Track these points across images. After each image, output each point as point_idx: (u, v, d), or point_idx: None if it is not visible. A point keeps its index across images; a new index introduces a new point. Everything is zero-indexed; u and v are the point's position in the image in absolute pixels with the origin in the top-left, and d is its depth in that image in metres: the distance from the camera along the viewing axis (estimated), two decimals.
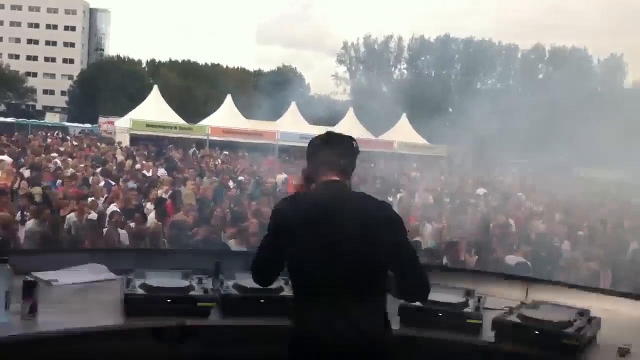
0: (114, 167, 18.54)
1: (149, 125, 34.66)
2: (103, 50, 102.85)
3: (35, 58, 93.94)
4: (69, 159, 20.52)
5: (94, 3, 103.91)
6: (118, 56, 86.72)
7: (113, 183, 14.70)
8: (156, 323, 2.78)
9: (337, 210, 2.62)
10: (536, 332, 2.95)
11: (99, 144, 30.74)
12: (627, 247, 11.42)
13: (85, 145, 27.90)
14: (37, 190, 12.32)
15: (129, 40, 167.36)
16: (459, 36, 75.05)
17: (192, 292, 2.96)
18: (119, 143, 30.98)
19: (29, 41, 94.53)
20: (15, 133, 33.72)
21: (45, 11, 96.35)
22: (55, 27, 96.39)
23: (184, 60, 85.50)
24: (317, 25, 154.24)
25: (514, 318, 3.10)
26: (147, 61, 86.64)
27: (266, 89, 71.29)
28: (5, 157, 18.24)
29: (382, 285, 2.64)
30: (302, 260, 2.62)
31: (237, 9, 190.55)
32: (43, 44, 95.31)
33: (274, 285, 3.06)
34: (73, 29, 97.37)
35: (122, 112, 38.55)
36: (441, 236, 11.14)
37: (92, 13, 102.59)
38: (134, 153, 25.43)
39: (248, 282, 3.21)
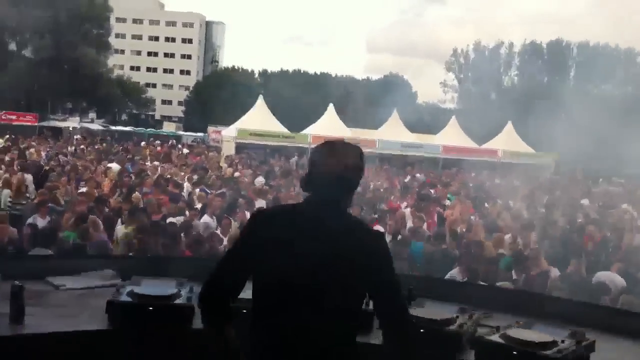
0: (212, 176, 19.16)
1: (253, 134, 35.66)
2: (218, 61, 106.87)
3: (154, 70, 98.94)
4: (174, 167, 21.37)
5: (210, 16, 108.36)
6: (232, 67, 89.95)
7: (209, 191, 15.21)
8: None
9: (318, 232, 2.46)
10: (514, 352, 2.90)
11: (207, 152, 32.04)
12: None
13: (186, 153, 29.06)
14: (136, 196, 12.99)
15: (243, 51, 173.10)
16: (573, 40, 72.21)
17: (176, 300, 3.11)
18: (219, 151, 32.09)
19: (149, 53, 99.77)
20: (128, 142, 35.71)
21: (164, 24, 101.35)
22: (173, 39, 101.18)
23: (294, 70, 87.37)
24: (429, 33, 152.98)
25: (495, 337, 3.05)
26: (259, 71, 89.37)
27: (371, 98, 71.66)
28: (114, 165, 19.44)
29: (350, 317, 2.52)
30: (269, 277, 2.49)
31: (349, 18, 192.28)
32: (162, 56, 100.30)
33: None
34: (190, 41, 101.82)
35: (233, 122, 39.92)
36: (519, 248, 10.79)
37: (208, 26, 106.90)
38: (236, 161, 26.24)
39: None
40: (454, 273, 8.34)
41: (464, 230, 11.98)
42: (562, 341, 3.05)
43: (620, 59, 70.74)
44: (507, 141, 41.35)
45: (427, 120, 74.77)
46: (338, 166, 2.53)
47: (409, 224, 12.44)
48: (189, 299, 3.11)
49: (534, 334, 3.11)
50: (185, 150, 33.48)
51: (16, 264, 3.88)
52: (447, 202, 16.79)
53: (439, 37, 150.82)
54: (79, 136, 39.12)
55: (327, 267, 2.41)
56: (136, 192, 13.38)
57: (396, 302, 2.55)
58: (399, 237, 10.86)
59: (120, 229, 9.90)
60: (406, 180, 25.25)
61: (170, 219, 10.53)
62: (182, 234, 9.22)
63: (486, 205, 17.13)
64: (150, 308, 2.98)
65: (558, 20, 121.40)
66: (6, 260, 4.78)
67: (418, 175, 27.40)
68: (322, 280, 2.41)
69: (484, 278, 7.80)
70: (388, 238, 11.00)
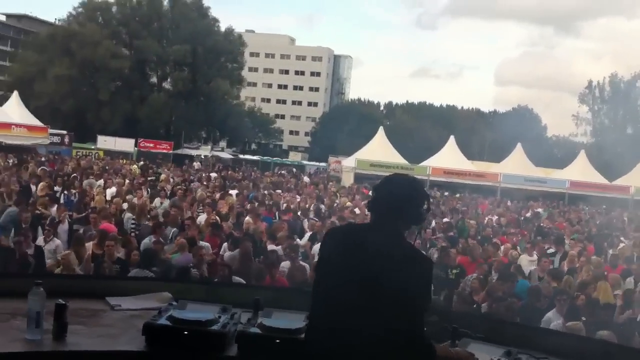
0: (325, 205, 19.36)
1: (373, 164, 35.86)
2: (344, 93, 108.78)
3: (284, 102, 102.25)
4: (296, 195, 21.76)
5: (339, 50, 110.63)
6: (358, 99, 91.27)
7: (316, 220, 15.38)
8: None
9: (368, 252, 2.72)
10: None
11: (326, 182, 32.50)
12: None
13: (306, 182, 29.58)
14: (247, 222, 13.39)
15: (370, 84, 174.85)
16: None
17: (212, 327, 3.21)
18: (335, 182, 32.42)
19: (279, 86, 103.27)
20: (253, 170, 36.98)
21: (295, 58, 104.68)
22: (302, 73, 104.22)
23: (419, 102, 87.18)
24: (560, 65, 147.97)
25: None
26: (384, 103, 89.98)
27: (497, 130, 69.91)
28: (234, 192, 20.21)
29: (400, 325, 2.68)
30: (323, 288, 2.82)
31: (478, 51, 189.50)
32: (291, 88, 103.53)
33: (294, 327, 3.21)
34: (318, 74, 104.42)
35: (355, 152, 40.40)
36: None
37: (335, 59, 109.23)
38: (354, 191, 26.41)
39: (274, 321, 3.40)
40: (551, 315, 7.96)
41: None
42: None
43: None
44: None
45: (555, 154, 72.05)
46: (390, 196, 2.85)
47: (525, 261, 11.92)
48: (224, 326, 3.20)
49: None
50: (306, 179, 34.13)
51: (81, 282, 4.17)
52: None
53: (572, 69, 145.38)
54: (197, 164, 40.88)
55: (369, 285, 2.66)
56: (247, 218, 13.75)
57: (415, 325, 2.72)
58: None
59: (227, 254, 10.23)
60: (527, 215, 24.36)
61: (271, 247, 10.75)
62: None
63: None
64: (185, 333, 3.11)
65: None
66: (71, 279, 5.13)
67: (540, 210, 26.29)
68: (372, 290, 2.66)
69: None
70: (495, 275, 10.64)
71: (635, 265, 12.16)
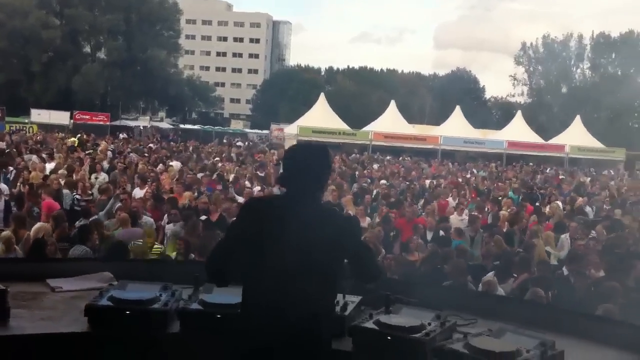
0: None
1: (315, 131, 35.97)
2: (284, 60, 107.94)
3: (223, 69, 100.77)
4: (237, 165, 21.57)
5: (277, 15, 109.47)
6: (298, 65, 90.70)
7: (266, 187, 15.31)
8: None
9: (295, 219, 2.83)
10: None
11: (271, 150, 32.37)
12: None
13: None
14: (187, 195, 13.26)
15: (311, 50, 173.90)
16: None
17: (153, 305, 3.28)
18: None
19: (218, 54, 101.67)
20: (192, 140, 36.54)
21: (233, 25, 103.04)
22: (241, 40, 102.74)
23: (360, 67, 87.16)
24: (498, 27, 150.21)
25: (458, 346, 3.08)
26: (325, 69, 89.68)
27: (436, 94, 70.87)
28: (175, 163, 19.96)
29: (330, 288, 2.96)
30: (256, 258, 2.84)
31: (418, 15, 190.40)
32: (230, 55, 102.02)
33: (235, 301, 3.29)
34: (257, 41, 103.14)
35: (297, 119, 40.37)
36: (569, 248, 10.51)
37: (275, 25, 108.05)
38: None
39: (214, 296, 3.48)
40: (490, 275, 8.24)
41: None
42: (528, 351, 3.06)
43: None
44: (576, 136, 40.09)
45: (493, 115, 73.61)
46: (305, 165, 2.99)
47: (455, 220, 12.23)
48: (166, 304, 3.26)
49: (499, 344, 3.11)
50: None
51: (20, 265, 4.14)
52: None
53: (509, 32, 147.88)
54: (123, 134, 39.91)
55: (304, 247, 2.79)
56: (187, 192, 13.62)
57: (367, 266, 3.07)
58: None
59: (169, 227, 10.12)
60: (467, 176, 24.89)
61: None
62: None
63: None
64: (127, 312, 3.16)
65: (630, 11, 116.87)
66: (11, 262, 5.08)
67: (477, 171, 26.94)
68: (301, 258, 2.78)
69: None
70: (429, 235, 10.95)
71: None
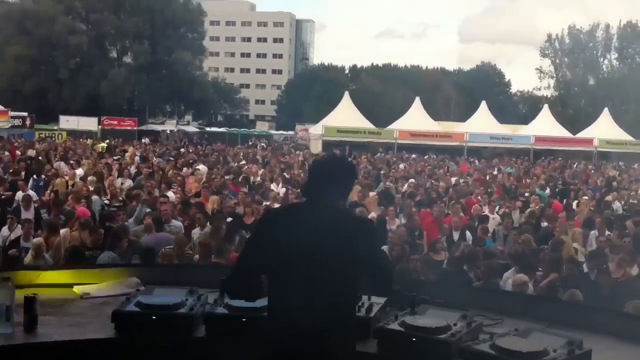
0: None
1: (340, 130, 35.95)
2: (308, 59, 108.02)
3: (248, 70, 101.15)
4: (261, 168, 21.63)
5: (300, 14, 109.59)
6: (322, 64, 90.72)
7: (293, 189, 15.33)
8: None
9: (315, 226, 2.93)
10: None
11: (297, 151, 32.46)
12: None
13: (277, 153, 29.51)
14: (214, 199, 13.32)
15: (334, 48, 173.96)
16: None
17: (179, 310, 3.31)
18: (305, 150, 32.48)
19: (242, 55, 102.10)
20: (218, 143, 36.75)
21: (256, 25, 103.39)
22: (265, 40, 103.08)
23: (384, 64, 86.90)
24: (523, 19, 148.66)
25: (484, 347, 3.07)
26: (349, 67, 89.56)
27: (461, 89, 70.34)
28: (201, 167, 20.10)
29: (350, 291, 2.99)
30: (281, 264, 2.92)
31: (441, 9, 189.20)
32: (255, 56, 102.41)
33: (260, 305, 3.31)
34: (281, 40, 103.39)
35: (321, 119, 40.33)
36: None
37: (298, 24, 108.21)
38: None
39: (240, 301, 3.51)
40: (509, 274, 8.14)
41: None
42: (555, 350, 3.04)
43: None
44: (604, 129, 39.43)
45: (520, 110, 72.81)
46: (329, 178, 3.10)
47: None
48: (192, 308, 3.30)
49: (525, 343, 3.10)
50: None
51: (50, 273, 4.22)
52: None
53: (534, 23, 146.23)
54: (146, 139, 40.06)
55: (323, 252, 2.86)
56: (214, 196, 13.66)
57: (376, 275, 3.07)
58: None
59: (196, 232, 10.17)
60: (494, 172, 24.67)
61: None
62: None
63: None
64: (153, 317, 3.21)
65: None
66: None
67: (503, 167, 26.66)
68: (321, 263, 2.86)
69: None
70: (456, 235, 10.82)
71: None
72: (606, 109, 42.73)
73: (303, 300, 2.83)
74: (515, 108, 72.83)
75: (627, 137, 39.96)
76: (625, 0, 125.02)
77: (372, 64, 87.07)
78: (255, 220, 10.68)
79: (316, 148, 34.37)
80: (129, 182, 15.69)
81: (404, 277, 6.82)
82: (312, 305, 2.82)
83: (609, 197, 16.15)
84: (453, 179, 19.94)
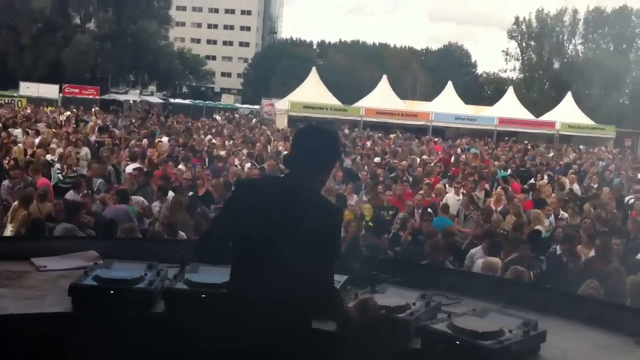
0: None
1: (306, 106, 35.83)
2: (276, 33, 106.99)
3: (214, 42, 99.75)
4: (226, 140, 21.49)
5: None
6: (290, 39, 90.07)
7: (257, 165, 15.31)
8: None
9: (285, 203, 2.85)
10: (456, 342, 2.95)
11: (262, 126, 32.29)
12: None
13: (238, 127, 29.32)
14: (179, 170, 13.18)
15: (302, 22, 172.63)
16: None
17: (138, 285, 3.27)
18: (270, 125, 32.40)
19: (209, 26, 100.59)
20: (182, 115, 36.36)
21: None
22: (232, 11, 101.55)
23: (353, 41, 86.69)
24: (493, 1, 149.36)
25: (441, 326, 3.10)
26: (317, 42, 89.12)
27: (428, 68, 70.64)
28: (164, 139, 19.86)
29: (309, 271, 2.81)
30: (245, 238, 2.86)
31: None
32: (222, 28, 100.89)
33: (221, 281, 3.28)
34: (249, 12, 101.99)
35: (289, 94, 40.14)
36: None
37: None
38: (288, 135, 26.35)
39: (200, 276, 3.48)
40: (475, 251, 8.30)
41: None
42: (510, 331, 3.08)
43: None
44: (566, 113, 40.11)
45: (485, 91, 73.55)
46: (309, 149, 2.96)
47: (452, 200, 12.22)
48: (150, 283, 3.25)
49: (482, 323, 3.14)
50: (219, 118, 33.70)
51: (5, 244, 4.12)
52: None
53: (504, 5, 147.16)
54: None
55: (286, 230, 2.79)
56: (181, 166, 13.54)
57: (325, 271, 2.90)
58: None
59: (156, 205, 10.06)
60: (458, 152, 24.95)
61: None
62: None
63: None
64: (111, 292, 3.16)
65: None
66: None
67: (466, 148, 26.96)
68: (284, 241, 2.78)
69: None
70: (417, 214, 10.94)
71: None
72: (569, 93, 43.46)
73: (260, 276, 2.80)
74: (481, 89, 73.55)
75: (588, 121, 40.73)
76: None
77: (341, 40, 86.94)
78: (207, 192, 10.67)
79: (282, 123, 34.25)
80: (85, 150, 15.39)
81: (369, 254, 6.91)
82: (268, 281, 2.78)
83: (566, 180, 16.46)
84: (418, 159, 20.11)
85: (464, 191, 12.81)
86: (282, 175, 3.14)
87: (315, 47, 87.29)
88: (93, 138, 18.77)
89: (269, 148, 19.86)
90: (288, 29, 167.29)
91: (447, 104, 39.35)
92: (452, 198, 12.30)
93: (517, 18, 72.71)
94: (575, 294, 4.39)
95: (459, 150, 25.65)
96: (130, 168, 12.78)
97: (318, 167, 3.00)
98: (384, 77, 41.92)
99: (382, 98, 39.08)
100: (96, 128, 21.86)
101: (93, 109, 34.47)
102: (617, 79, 62.54)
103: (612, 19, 68.44)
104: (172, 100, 58.14)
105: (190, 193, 10.50)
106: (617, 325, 3.49)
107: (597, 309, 3.69)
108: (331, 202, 3.20)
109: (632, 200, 13.63)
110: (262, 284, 2.79)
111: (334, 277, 3.01)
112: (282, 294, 2.78)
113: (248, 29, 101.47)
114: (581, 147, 32.74)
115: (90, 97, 45.12)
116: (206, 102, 58.72)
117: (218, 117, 38.12)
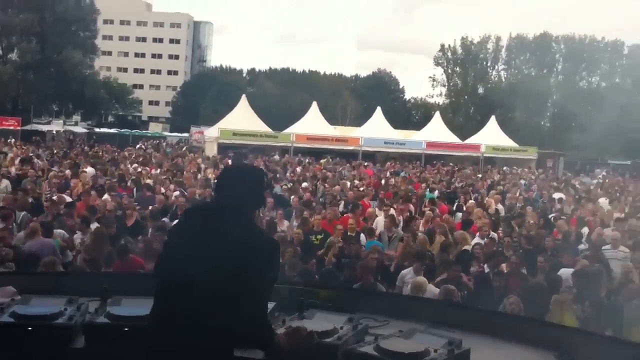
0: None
1: (236, 133, 35.68)
2: (205, 61, 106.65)
3: (142, 71, 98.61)
4: (153, 169, 21.18)
5: (199, 16, 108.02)
6: (220, 67, 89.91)
7: (186, 193, 15.07)
8: None
9: (213, 232, 2.85)
10: None
11: (191, 154, 31.96)
12: None
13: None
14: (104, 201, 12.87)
15: (232, 50, 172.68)
16: (560, 34, 72.53)
17: (57, 320, 3.16)
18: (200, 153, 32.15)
19: (137, 54, 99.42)
20: (107, 145, 35.62)
21: (152, 25, 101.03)
22: (161, 40, 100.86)
23: (283, 68, 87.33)
24: (419, 29, 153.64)
25: (369, 349, 3.12)
26: (247, 70, 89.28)
27: (357, 95, 71.79)
28: (89, 169, 19.34)
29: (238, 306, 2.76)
30: (172, 268, 2.85)
31: (339, 15, 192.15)
32: (149, 56, 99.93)
33: (144, 313, 3.19)
34: (178, 41, 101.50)
35: (218, 122, 39.87)
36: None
37: (196, 26, 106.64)
38: (218, 162, 26.15)
39: (122, 309, 3.39)
40: (406, 272, 8.39)
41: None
42: (435, 350, 3.13)
43: (607, 51, 71.16)
44: (491, 136, 41.48)
45: (413, 116, 75.27)
46: (236, 191, 2.97)
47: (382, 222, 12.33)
48: (70, 318, 3.15)
49: (408, 344, 3.18)
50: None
51: None
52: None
53: (429, 34, 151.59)
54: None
55: (215, 263, 2.77)
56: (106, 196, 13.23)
57: (259, 305, 2.83)
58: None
59: (78, 237, 9.73)
60: (387, 175, 25.28)
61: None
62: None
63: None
64: (29, 329, 3.04)
65: (545, 13, 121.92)
66: None
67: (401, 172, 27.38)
68: (210, 274, 2.75)
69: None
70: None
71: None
72: (493, 117, 44.96)
73: (189, 308, 2.74)
74: (409, 114, 75.20)
75: (512, 143, 42.18)
76: (514, 14, 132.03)
77: (271, 67, 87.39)
78: (135, 223, 10.46)
79: (211, 151, 33.96)
80: (5, 183, 14.85)
81: (297, 279, 6.89)
82: (191, 315, 2.73)
83: (490, 200, 16.94)
84: (348, 183, 20.27)
85: (394, 213, 13.00)
86: (215, 206, 3.09)
87: (245, 74, 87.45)
88: (13, 170, 18.12)
89: (198, 176, 19.64)
90: (218, 58, 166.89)
91: (377, 129, 39.97)
92: (382, 220, 12.43)
93: (442, 45, 75.06)
94: (498, 311, 4.49)
95: (388, 174, 26.02)
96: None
97: (247, 206, 3.01)
98: (314, 103, 42.26)
99: (313, 124, 39.33)
100: (16, 160, 21.11)
101: (10, 141, 33.26)
102: (538, 103, 65.23)
103: (534, 45, 71.43)
104: (97, 129, 56.91)
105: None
106: (539, 340, 3.59)
107: (519, 325, 3.79)
108: (266, 234, 3.25)
109: (552, 219, 14.15)
110: (188, 316, 2.74)
111: (266, 308, 2.97)
112: (208, 325, 2.73)
113: (177, 57, 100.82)
114: (505, 168, 33.76)
115: (12, 128, 43.56)
116: (133, 130, 57.77)
117: (142, 146, 37.56)
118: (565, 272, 8.41)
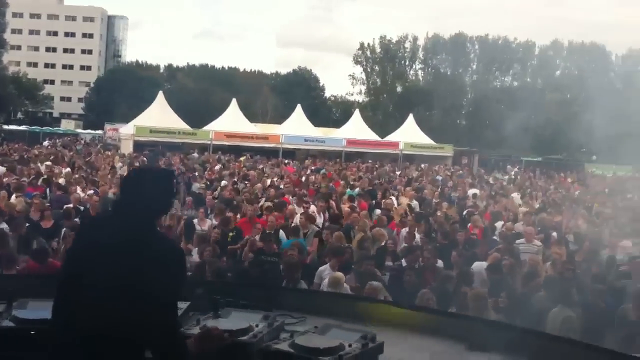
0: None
1: (153, 131, 34.98)
2: (120, 56, 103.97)
3: (53, 66, 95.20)
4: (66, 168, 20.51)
5: (112, 10, 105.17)
6: (136, 62, 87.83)
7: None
8: None
9: (113, 243, 2.69)
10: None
11: (105, 151, 31.12)
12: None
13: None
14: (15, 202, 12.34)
15: (148, 46, 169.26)
16: (474, 34, 74.96)
17: None
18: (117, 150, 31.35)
19: (48, 49, 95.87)
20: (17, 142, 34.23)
21: (64, 19, 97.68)
22: (73, 34, 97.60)
23: (201, 65, 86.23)
24: (338, 28, 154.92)
25: (283, 346, 3.12)
26: (164, 66, 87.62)
27: (277, 92, 71.76)
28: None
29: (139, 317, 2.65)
30: (71, 280, 2.71)
31: (259, 12, 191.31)
32: (61, 51, 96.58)
33: (49, 317, 3.07)
34: (91, 36, 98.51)
35: (133, 119, 38.88)
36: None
37: (109, 20, 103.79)
38: (133, 160, 25.56)
39: (28, 312, 3.26)
40: (323, 268, 8.46)
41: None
42: (350, 345, 3.16)
43: (519, 51, 74.03)
44: (409, 133, 42.39)
45: (333, 113, 75.98)
46: (144, 194, 2.82)
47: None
48: None
49: (323, 340, 3.20)
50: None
51: None
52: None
53: (349, 32, 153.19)
54: None
55: (116, 271, 2.62)
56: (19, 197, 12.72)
57: (163, 315, 2.71)
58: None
59: None
60: (308, 173, 25.38)
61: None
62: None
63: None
64: (32, 332, 3.01)
65: (460, 13, 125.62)
66: None
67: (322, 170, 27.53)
68: (110, 282, 2.61)
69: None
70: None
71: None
72: (411, 115, 45.94)
73: (92, 315, 2.61)
74: (329, 112, 75.82)
75: (429, 141, 43.25)
76: (431, 14, 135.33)
77: (189, 64, 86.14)
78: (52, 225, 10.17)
79: (127, 148, 33.14)
80: None
81: (215, 278, 6.83)
82: (93, 324, 2.60)
83: (405, 196, 17.31)
84: (268, 181, 20.22)
85: (315, 210, 13.08)
86: (115, 215, 2.88)
87: (162, 70, 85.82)
88: None
89: (116, 175, 19.14)
90: (133, 53, 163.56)
91: (297, 127, 40.10)
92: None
93: (362, 44, 76.08)
94: (412, 304, 4.59)
95: (308, 172, 26.12)
96: None
97: (154, 211, 2.91)
98: (234, 100, 41.94)
99: (232, 121, 39.03)
100: None
101: None
102: (454, 102, 67.14)
103: (450, 45, 73.41)
104: (5, 127, 54.43)
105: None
106: (450, 332, 3.68)
107: (431, 318, 3.88)
108: (170, 241, 3.03)
109: (467, 214, 14.58)
110: (88, 327, 2.61)
111: (173, 317, 2.84)
112: (110, 338, 2.62)
113: (90, 52, 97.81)
114: (423, 165, 34.57)
115: None
116: (44, 128, 55.62)
117: (46, 143, 36.32)
118: (479, 266, 8.72)
